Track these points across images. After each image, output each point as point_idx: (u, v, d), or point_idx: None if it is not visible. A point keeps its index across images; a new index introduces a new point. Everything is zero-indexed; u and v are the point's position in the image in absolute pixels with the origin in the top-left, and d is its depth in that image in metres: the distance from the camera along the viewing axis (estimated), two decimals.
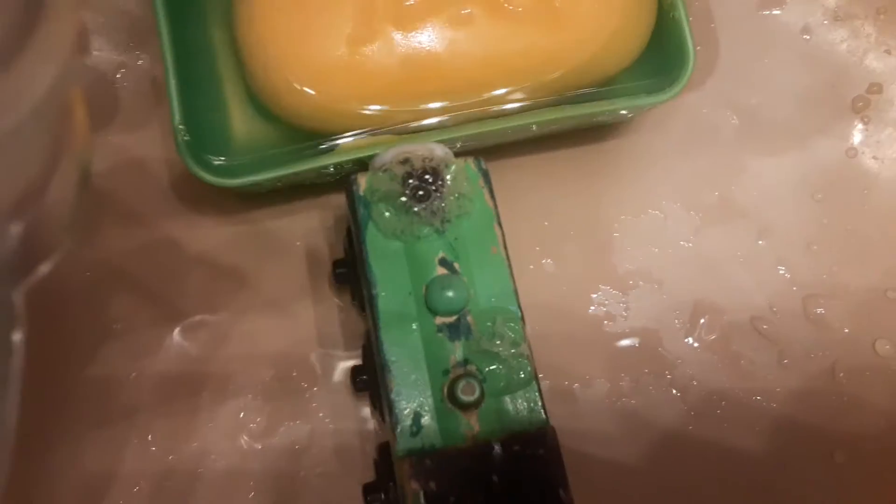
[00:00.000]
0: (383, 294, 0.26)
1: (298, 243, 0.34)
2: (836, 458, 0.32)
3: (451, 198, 0.27)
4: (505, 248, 0.27)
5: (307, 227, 0.34)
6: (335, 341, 0.33)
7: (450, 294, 0.26)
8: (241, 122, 0.32)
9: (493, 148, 0.33)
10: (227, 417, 0.32)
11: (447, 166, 0.27)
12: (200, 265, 0.33)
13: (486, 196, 0.27)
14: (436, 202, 0.27)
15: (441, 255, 0.26)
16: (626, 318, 0.34)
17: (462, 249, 0.26)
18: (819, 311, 0.34)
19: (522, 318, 0.26)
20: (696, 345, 0.33)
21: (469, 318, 0.26)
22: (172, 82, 0.29)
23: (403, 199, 0.26)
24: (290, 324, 0.33)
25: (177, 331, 0.32)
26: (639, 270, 0.34)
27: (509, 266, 0.27)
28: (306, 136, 0.31)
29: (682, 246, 0.34)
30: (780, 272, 0.34)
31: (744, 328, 0.34)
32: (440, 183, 0.27)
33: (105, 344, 0.32)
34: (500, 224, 0.27)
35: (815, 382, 0.33)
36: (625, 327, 0.34)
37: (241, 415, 0.32)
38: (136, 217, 0.33)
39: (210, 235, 0.33)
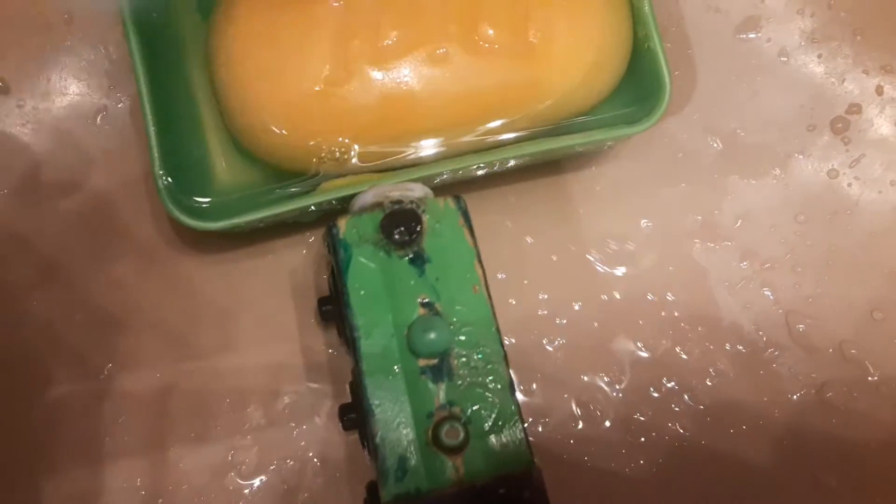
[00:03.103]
0: (365, 337, 0.26)
1: (284, 280, 0.34)
2: (829, 481, 0.32)
3: (431, 238, 0.27)
4: (486, 286, 0.27)
5: (292, 263, 0.34)
6: (323, 379, 0.33)
7: (432, 336, 0.25)
8: (222, 163, 0.32)
9: (473, 181, 0.33)
10: (216, 457, 0.32)
11: (426, 205, 0.27)
12: (186, 305, 0.33)
13: (467, 234, 0.27)
14: (415, 242, 0.27)
15: (422, 296, 0.26)
16: (612, 345, 0.34)
17: (443, 290, 0.26)
18: (805, 331, 0.34)
19: (506, 358, 0.26)
20: (682, 370, 0.33)
21: (452, 360, 0.26)
22: (152, 129, 0.29)
23: (383, 241, 0.26)
24: (278, 362, 0.33)
25: (165, 372, 0.32)
26: (624, 297, 0.34)
27: (491, 305, 0.27)
28: (287, 175, 0.31)
29: (666, 271, 0.34)
30: (765, 294, 0.34)
31: (730, 352, 0.34)
32: (419, 223, 0.26)
33: (92, 388, 0.32)
34: (480, 262, 0.27)
35: (803, 405, 0.33)
36: (611, 354, 0.34)
37: (231, 454, 0.32)
38: (118, 260, 0.33)
39: (195, 275, 0.33)
